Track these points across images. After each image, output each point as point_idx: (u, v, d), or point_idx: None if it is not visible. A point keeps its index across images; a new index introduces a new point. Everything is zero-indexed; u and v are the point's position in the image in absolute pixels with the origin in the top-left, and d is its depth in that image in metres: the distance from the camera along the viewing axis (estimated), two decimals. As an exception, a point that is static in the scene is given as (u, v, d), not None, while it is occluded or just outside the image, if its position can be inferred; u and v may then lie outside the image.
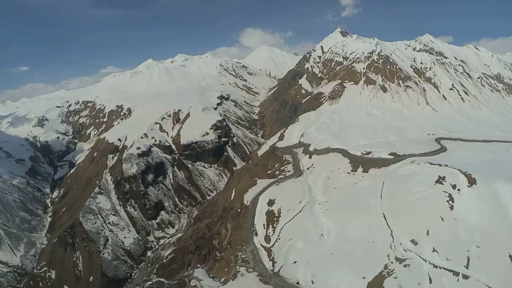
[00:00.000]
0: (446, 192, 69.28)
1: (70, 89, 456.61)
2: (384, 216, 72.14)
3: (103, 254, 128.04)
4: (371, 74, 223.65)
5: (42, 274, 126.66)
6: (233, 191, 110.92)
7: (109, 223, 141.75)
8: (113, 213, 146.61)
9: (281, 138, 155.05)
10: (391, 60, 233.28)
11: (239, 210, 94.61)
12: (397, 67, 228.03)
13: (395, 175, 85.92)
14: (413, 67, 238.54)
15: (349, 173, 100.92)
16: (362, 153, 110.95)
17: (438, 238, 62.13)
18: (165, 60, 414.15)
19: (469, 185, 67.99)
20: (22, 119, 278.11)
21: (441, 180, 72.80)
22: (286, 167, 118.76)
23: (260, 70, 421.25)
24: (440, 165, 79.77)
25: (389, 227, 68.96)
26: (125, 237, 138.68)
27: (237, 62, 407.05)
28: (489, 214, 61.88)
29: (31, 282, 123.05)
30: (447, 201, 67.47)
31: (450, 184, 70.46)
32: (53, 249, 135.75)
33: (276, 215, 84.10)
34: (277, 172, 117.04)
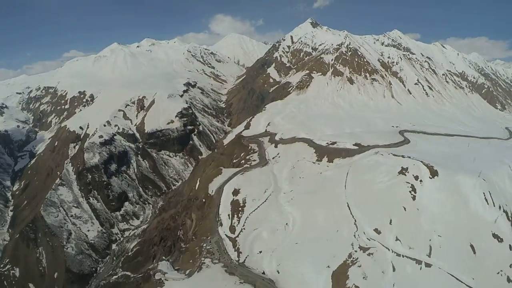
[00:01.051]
0: (409, 183, 70.71)
1: (32, 74, 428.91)
2: (348, 206, 72.70)
3: (67, 248, 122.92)
4: (339, 66, 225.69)
5: (6, 273, 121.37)
6: (198, 181, 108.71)
7: (71, 216, 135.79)
8: (75, 205, 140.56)
9: (247, 127, 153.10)
10: (359, 53, 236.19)
11: (203, 200, 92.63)
12: (365, 60, 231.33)
13: (360, 165, 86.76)
14: (381, 61, 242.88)
15: (314, 162, 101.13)
16: (327, 143, 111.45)
17: (401, 227, 63.27)
18: (131, 45, 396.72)
19: (431, 176, 69.71)
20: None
21: (404, 171, 74.19)
22: (251, 156, 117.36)
23: (228, 57, 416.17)
24: (403, 156, 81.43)
25: (353, 216, 69.56)
26: (88, 230, 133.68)
27: (205, 49, 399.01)
28: (450, 204, 63.73)
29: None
30: (410, 192, 68.84)
31: (413, 175, 72.01)
32: (15, 245, 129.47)
33: (241, 204, 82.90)
34: (243, 161, 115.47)
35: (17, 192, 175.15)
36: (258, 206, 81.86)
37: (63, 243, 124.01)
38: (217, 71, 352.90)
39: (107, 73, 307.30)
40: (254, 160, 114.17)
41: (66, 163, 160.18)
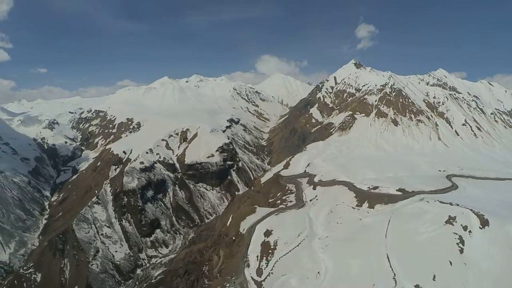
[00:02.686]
0: (457, 234, 63.92)
1: (85, 97, 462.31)
2: (387, 257, 66.62)
3: (92, 265, 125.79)
4: (383, 107, 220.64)
5: (27, 275, 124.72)
6: (230, 217, 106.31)
7: (102, 234, 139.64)
8: (107, 225, 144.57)
9: (286, 166, 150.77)
10: (404, 94, 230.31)
11: (233, 237, 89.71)
12: (410, 100, 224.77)
13: (402, 213, 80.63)
14: (426, 101, 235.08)
15: (353, 207, 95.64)
16: (368, 187, 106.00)
17: (445, 284, 56.52)
18: (181, 79, 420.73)
19: (481, 226, 62.86)
20: (34, 120, 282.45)
21: (451, 221, 67.55)
22: (288, 197, 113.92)
23: (273, 97, 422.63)
24: (451, 204, 74.72)
25: (392, 269, 63.39)
26: (116, 251, 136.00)
27: (250, 88, 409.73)
28: (501, 258, 56.50)
29: (15, 281, 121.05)
30: (457, 244, 62.06)
31: (461, 225, 65.25)
32: (42, 252, 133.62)
33: (272, 247, 78.87)
34: (279, 201, 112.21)
35: (54, 203, 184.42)
36: (290, 250, 77.35)
37: (89, 259, 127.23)
38: (260, 109, 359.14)
39: (155, 104, 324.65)
40: (291, 201, 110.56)
41: (105, 184, 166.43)
